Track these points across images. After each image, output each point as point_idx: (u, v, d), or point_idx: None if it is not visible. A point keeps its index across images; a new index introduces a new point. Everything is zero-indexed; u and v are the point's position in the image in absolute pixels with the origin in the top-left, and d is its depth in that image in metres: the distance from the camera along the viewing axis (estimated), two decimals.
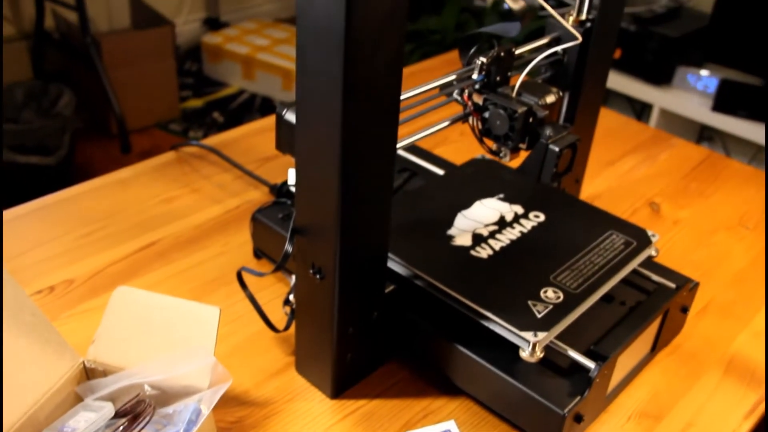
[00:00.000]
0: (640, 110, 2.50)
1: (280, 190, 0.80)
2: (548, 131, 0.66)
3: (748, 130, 2.04)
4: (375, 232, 0.59)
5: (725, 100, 2.06)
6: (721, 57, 2.14)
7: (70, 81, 2.53)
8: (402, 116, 0.61)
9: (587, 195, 0.96)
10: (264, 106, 2.78)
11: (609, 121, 1.14)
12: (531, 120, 0.66)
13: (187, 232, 0.85)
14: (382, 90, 0.53)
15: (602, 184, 0.99)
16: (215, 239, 0.84)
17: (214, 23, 3.19)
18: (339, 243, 0.56)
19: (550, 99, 0.68)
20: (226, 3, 3.28)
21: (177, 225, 0.86)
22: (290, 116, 0.58)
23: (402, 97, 0.61)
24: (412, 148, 0.90)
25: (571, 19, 0.74)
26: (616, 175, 1.02)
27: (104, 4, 2.78)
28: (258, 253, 0.81)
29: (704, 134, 2.45)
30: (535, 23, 2.07)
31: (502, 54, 0.67)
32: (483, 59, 0.66)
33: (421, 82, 0.64)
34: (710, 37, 2.13)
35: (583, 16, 0.74)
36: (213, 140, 1.02)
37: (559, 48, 0.73)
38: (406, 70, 1.18)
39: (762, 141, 2.04)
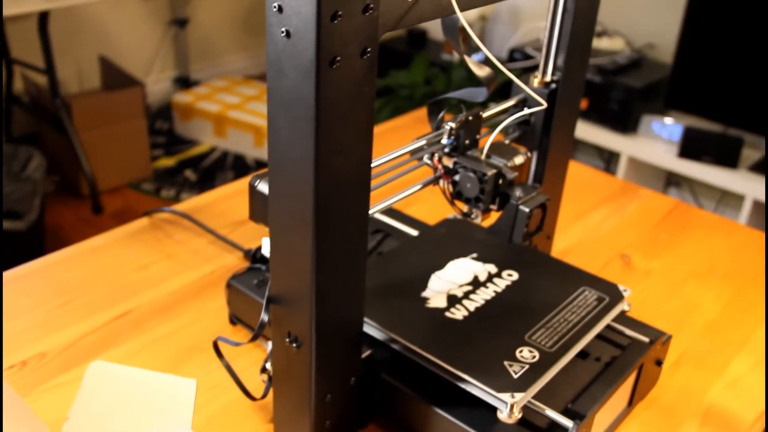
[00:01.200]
0: (608, 158, 2.54)
1: (254, 256, 0.80)
2: (518, 192, 0.67)
3: (714, 175, 2.09)
4: (350, 299, 0.60)
5: (690, 147, 2.11)
6: (683, 105, 2.20)
7: (39, 143, 2.53)
8: (374, 182, 0.61)
9: (559, 249, 0.97)
10: (236, 164, 2.79)
11: (577, 173, 1.16)
12: (501, 182, 0.68)
13: (161, 300, 0.84)
14: (354, 159, 0.54)
15: (573, 238, 1.01)
16: (190, 306, 0.83)
17: (184, 82, 3.22)
18: (315, 312, 0.56)
19: (519, 160, 0.69)
20: (197, 61, 3.31)
21: (151, 292, 0.85)
22: (263, 187, 0.59)
23: (373, 164, 0.63)
24: (384, 210, 0.90)
25: (536, 80, 0.76)
26: (587, 228, 1.03)
27: (74, 65, 2.80)
28: (234, 319, 0.80)
29: (672, 180, 2.49)
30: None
31: (470, 118, 0.69)
32: (452, 124, 0.67)
33: (393, 140, 0.65)
34: (672, 87, 2.19)
35: (548, 78, 0.76)
36: (186, 205, 1.02)
37: (526, 113, 0.75)
38: (377, 129, 1.20)
39: (727, 185, 2.08)
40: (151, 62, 3.15)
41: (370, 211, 0.61)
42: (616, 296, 0.73)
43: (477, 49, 2.75)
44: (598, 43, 2.31)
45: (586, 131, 2.25)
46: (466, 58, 0.62)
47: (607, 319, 0.70)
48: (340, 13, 0.47)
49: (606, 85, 2.19)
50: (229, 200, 1.04)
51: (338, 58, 0.49)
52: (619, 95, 2.18)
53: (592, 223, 1.05)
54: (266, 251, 0.60)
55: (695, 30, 2.11)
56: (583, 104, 2.27)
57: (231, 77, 3.19)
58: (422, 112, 1.34)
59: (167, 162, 2.79)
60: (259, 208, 0.59)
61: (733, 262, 0.98)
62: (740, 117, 2.13)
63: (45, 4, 2.08)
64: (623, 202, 1.10)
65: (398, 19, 0.53)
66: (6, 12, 1.95)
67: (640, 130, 2.23)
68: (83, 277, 0.87)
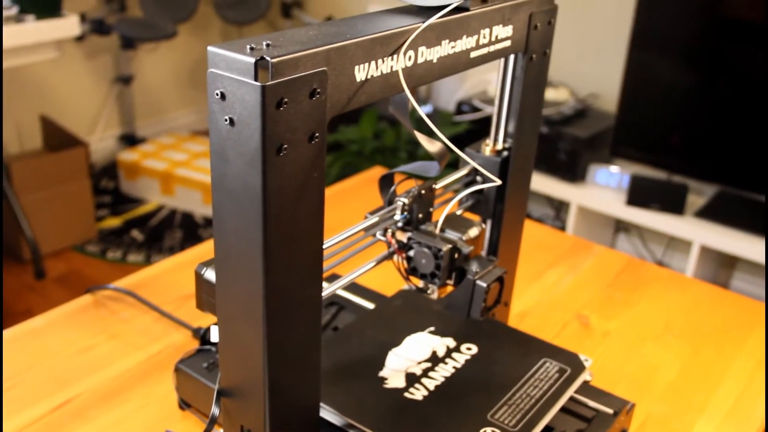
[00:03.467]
0: (558, 206, 2.56)
1: (203, 337, 0.77)
2: (474, 267, 0.66)
3: (661, 221, 2.11)
4: (306, 388, 0.57)
5: (637, 195, 2.13)
6: (628, 153, 2.24)
7: None
8: (326, 262, 0.59)
9: (517, 312, 0.96)
10: (185, 222, 2.74)
11: (530, 232, 1.15)
12: (456, 256, 0.66)
13: (106, 385, 0.80)
14: (305, 247, 0.51)
15: (530, 300, 0.99)
16: (137, 391, 0.79)
17: (130, 139, 3.17)
18: (268, 405, 0.54)
19: (474, 233, 0.68)
20: (142, 118, 3.27)
21: (95, 377, 0.81)
22: (210, 275, 0.56)
23: (325, 244, 0.60)
24: (335, 278, 0.88)
25: (488, 149, 0.75)
26: (543, 288, 1.02)
27: (14, 126, 2.74)
28: (183, 404, 0.77)
29: (621, 226, 2.52)
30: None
31: (423, 191, 0.67)
32: (404, 199, 0.66)
33: (344, 203, 0.63)
34: (616, 136, 2.22)
35: (500, 146, 0.76)
36: (131, 279, 0.98)
37: (480, 186, 0.74)
38: (328, 191, 1.18)
39: (674, 231, 2.11)
40: (96, 120, 3.10)
41: (324, 293, 0.59)
42: (578, 367, 0.71)
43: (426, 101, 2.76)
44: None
45: (535, 181, 2.27)
46: (416, 134, 0.61)
47: (570, 392, 0.69)
48: (285, 100, 0.45)
49: (553, 136, 2.22)
50: (175, 272, 1.01)
51: (285, 146, 0.47)
52: (567, 145, 2.21)
53: (548, 284, 1.04)
54: (215, 339, 0.58)
55: (636, 79, 2.16)
56: None
57: (177, 134, 3.15)
58: (372, 173, 1.33)
59: (113, 222, 2.73)
60: (207, 297, 0.57)
61: (687, 319, 0.98)
62: (683, 164, 2.17)
63: None
64: (577, 260, 1.10)
65: (346, 102, 0.51)
66: None
67: (588, 178, 2.26)
68: (20, 363, 0.83)
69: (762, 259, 1.98)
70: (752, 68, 2.03)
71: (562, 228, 2.46)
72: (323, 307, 0.81)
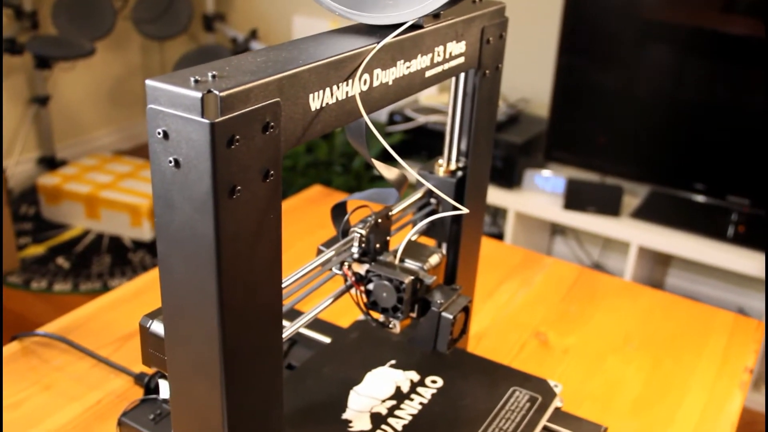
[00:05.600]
0: (494, 212, 2.56)
1: (148, 385, 0.71)
2: (438, 298, 0.62)
3: (598, 224, 2.12)
4: None
5: (573, 198, 2.14)
6: (562, 157, 2.24)
7: None
8: (283, 302, 0.55)
9: (474, 333, 0.93)
10: (113, 246, 2.63)
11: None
12: (418, 287, 0.62)
13: None
14: (263, 293, 0.47)
15: (486, 319, 0.96)
16: None
17: (50, 162, 3.03)
18: None
19: (435, 260, 0.64)
20: (62, 139, 3.14)
21: None
22: (157, 327, 0.51)
23: (283, 284, 0.56)
24: (291, 314, 0.83)
25: (441, 169, 0.72)
26: (497, 306, 1.00)
27: None
28: None
29: (557, 229, 2.53)
30: None
31: (380, 220, 0.63)
32: (361, 231, 0.61)
33: (286, 225, 0.58)
34: (549, 140, 2.23)
35: (453, 166, 0.72)
36: (62, 322, 0.91)
37: (442, 215, 0.70)
38: None
39: (612, 233, 2.12)
40: (12, 143, 2.96)
41: (284, 335, 0.54)
42: (548, 394, 0.68)
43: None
44: None
45: None
46: (374, 161, 0.57)
47: (543, 422, 0.66)
48: (237, 137, 0.41)
49: None
50: (111, 312, 0.94)
51: (238, 187, 0.42)
52: (502, 152, 2.20)
53: (502, 301, 1.01)
54: (165, 395, 0.53)
55: (566, 83, 2.17)
56: None
57: (100, 154, 3.03)
58: (311, 192, 1.28)
59: (36, 250, 2.60)
60: (155, 353, 0.51)
61: (644, 329, 0.96)
62: (616, 166, 2.19)
63: None
64: (528, 274, 1.08)
65: (301, 133, 0.47)
66: None
67: (524, 184, 2.25)
68: None
69: (696, 256, 2.01)
70: (677, 69, 2.06)
71: (500, 234, 2.45)
72: None
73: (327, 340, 0.78)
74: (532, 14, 2.38)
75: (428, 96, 2.48)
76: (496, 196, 2.25)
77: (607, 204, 2.12)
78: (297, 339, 0.79)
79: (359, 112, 0.51)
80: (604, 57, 2.14)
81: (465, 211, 0.65)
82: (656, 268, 2.32)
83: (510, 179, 2.23)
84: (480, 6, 0.65)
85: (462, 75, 0.69)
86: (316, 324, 0.82)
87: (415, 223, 0.71)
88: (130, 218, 2.64)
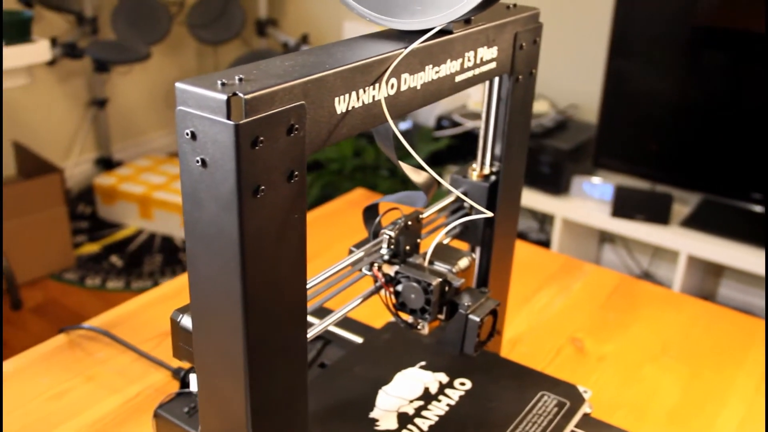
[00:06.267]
0: (542, 219, 2.54)
1: (183, 379, 0.73)
2: (466, 300, 0.62)
3: (647, 232, 2.09)
4: None
5: (622, 206, 2.11)
6: (611, 164, 2.22)
7: None
8: (310, 303, 0.56)
9: (508, 338, 0.93)
10: (164, 246, 2.69)
11: (516, 251, 1.12)
12: (447, 289, 0.63)
13: None
14: (287, 292, 0.48)
15: (522, 325, 0.96)
16: None
17: (106, 163, 3.12)
18: None
19: (464, 263, 0.65)
20: (118, 141, 3.22)
21: (70, 425, 0.77)
22: (186, 322, 0.53)
23: (309, 284, 0.57)
24: (321, 312, 0.85)
25: (474, 174, 0.72)
26: (534, 312, 0.99)
27: None
28: None
29: (606, 237, 2.50)
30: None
31: (410, 222, 0.64)
32: (390, 232, 0.62)
33: (326, 227, 0.60)
34: (598, 146, 2.20)
35: (487, 170, 0.73)
36: (107, 316, 0.94)
37: (472, 218, 0.71)
38: (310, 215, 1.15)
39: (660, 242, 2.09)
40: (70, 145, 3.05)
41: (309, 333, 0.55)
42: (577, 399, 0.68)
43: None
44: None
45: None
46: (402, 164, 0.58)
47: (570, 427, 0.65)
48: (261, 138, 0.42)
49: (535, 149, 2.20)
50: (153, 308, 0.97)
51: (262, 187, 0.43)
52: (549, 158, 2.19)
53: (539, 307, 1.01)
54: (194, 388, 0.54)
55: (616, 89, 2.14)
56: None
57: (154, 156, 3.10)
58: (354, 195, 1.30)
59: (91, 248, 2.67)
60: (184, 346, 0.53)
61: (684, 339, 0.95)
62: (667, 173, 2.16)
63: None
64: (567, 280, 1.07)
65: (326, 136, 0.48)
66: None
67: (571, 191, 2.24)
68: None
69: (749, 267, 1.96)
70: (731, 75, 2.02)
71: (547, 241, 2.44)
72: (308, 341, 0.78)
73: (360, 340, 0.79)
74: (582, 20, 2.36)
75: (477, 101, 2.48)
76: (543, 202, 2.24)
77: (657, 212, 2.09)
78: (331, 339, 0.80)
79: (386, 116, 0.51)
80: (655, 62, 2.11)
81: (489, 214, 0.65)
82: (707, 278, 2.28)
83: (558, 186, 2.22)
84: (513, 11, 0.65)
85: (496, 80, 0.69)
86: (350, 324, 0.83)
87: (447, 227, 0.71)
88: (182, 219, 2.69)
